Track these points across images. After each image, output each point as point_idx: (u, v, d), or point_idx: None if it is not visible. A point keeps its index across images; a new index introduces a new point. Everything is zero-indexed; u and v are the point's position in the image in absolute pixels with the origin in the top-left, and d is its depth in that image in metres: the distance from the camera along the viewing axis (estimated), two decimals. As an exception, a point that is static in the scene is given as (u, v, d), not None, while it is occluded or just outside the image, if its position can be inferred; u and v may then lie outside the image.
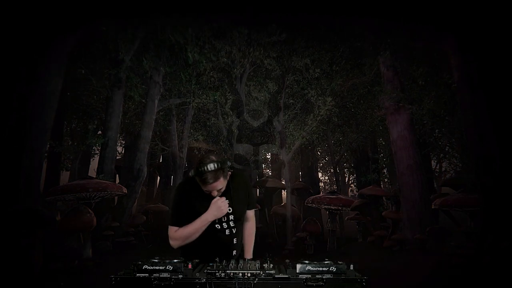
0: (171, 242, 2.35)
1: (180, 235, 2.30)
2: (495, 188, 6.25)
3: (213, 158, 2.17)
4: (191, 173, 2.23)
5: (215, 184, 2.16)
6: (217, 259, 1.92)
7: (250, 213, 2.56)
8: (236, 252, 2.40)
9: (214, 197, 2.29)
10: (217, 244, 2.34)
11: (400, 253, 8.15)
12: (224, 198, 2.25)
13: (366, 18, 8.12)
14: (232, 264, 1.86)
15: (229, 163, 2.25)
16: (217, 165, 2.14)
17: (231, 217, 2.37)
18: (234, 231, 2.38)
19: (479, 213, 6.81)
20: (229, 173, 2.30)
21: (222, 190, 2.28)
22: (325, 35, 11.07)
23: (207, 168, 2.11)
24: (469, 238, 6.85)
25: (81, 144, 8.49)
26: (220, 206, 2.23)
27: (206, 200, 2.27)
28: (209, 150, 13.96)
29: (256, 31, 10.50)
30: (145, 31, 8.56)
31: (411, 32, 7.66)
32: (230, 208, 2.34)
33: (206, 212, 2.24)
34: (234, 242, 2.39)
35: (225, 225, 2.35)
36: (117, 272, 1.79)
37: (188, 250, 2.33)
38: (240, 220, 2.43)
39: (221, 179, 2.18)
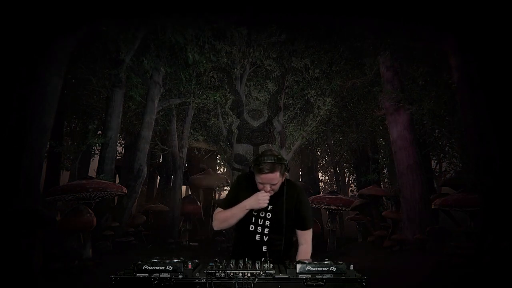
0: (212, 223, 2.40)
1: (219, 216, 2.35)
2: (495, 188, 6.25)
3: (274, 152, 2.22)
4: (251, 164, 2.26)
5: (270, 175, 2.16)
6: (217, 259, 1.91)
7: (303, 235, 2.36)
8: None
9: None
10: (248, 245, 2.32)
11: (400, 253, 8.15)
12: (267, 194, 2.21)
13: (366, 18, 8.13)
14: (232, 264, 1.86)
15: (287, 163, 2.24)
16: (276, 159, 2.17)
17: (267, 223, 2.30)
18: (265, 239, 2.29)
19: (479, 213, 6.81)
20: (286, 174, 2.26)
21: (275, 188, 2.24)
22: (325, 36, 11.07)
23: (266, 158, 2.15)
24: (469, 238, 6.86)
25: (81, 144, 8.48)
26: (259, 199, 2.20)
27: (250, 196, 2.28)
28: (209, 150, 13.99)
29: (256, 32, 10.50)
30: (145, 31, 8.56)
31: (411, 32, 7.67)
32: (270, 214, 2.30)
33: (246, 199, 2.24)
34: (263, 250, 2.28)
35: (259, 229, 2.30)
36: (117, 272, 1.79)
37: (235, 246, 2.41)
38: (276, 231, 2.29)
39: (277, 173, 2.17)
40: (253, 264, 1.87)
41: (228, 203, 2.37)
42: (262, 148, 9.65)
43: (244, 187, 2.35)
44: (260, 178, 2.20)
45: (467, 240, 6.84)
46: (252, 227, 2.31)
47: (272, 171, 2.15)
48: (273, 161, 2.15)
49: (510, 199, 6.05)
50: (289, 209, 2.29)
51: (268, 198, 2.22)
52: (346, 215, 12.90)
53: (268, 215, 2.31)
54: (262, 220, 2.31)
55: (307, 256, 2.35)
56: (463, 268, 5.99)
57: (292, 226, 2.35)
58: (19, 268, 5.20)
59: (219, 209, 2.39)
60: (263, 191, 2.22)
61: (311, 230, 2.39)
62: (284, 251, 2.33)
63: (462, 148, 8.23)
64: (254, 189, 2.30)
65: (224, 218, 2.33)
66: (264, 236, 2.30)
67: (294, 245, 2.41)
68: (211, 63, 9.94)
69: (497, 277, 5.29)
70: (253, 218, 2.32)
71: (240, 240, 2.39)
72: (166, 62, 9.36)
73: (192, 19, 8.18)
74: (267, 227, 2.30)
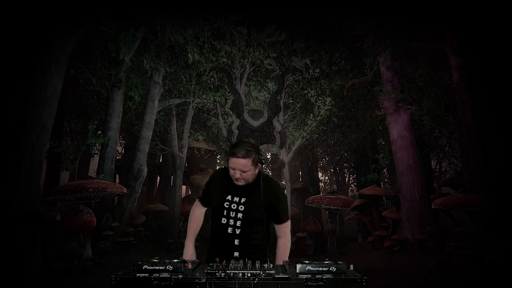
0: (190, 212, 2.61)
1: (190, 216, 2.59)
2: (495, 188, 6.25)
3: (251, 141, 2.28)
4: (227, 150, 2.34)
5: (242, 160, 2.18)
6: (217, 259, 1.91)
7: (281, 228, 2.40)
8: (239, 255, 2.26)
9: (232, 192, 2.33)
10: (219, 239, 2.34)
11: (400, 253, 8.15)
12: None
13: (365, 18, 8.13)
14: (232, 264, 1.86)
15: (262, 156, 2.29)
16: (251, 146, 2.22)
17: (240, 215, 2.30)
18: (237, 232, 2.28)
19: (479, 213, 6.81)
20: (259, 165, 2.29)
21: (246, 178, 2.25)
22: (324, 36, 11.08)
23: (242, 144, 2.22)
24: (469, 238, 6.85)
25: (81, 144, 8.48)
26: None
27: (223, 192, 2.36)
28: (209, 150, 13.98)
29: (255, 31, 10.51)
30: (145, 31, 8.56)
31: (411, 32, 7.66)
32: (242, 207, 2.30)
33: (188, 252, 2.45)
34: (236, 243, 2.28)
35: (231, 221, 2.30)
36: (117, 272, 1.79)
37: (210, 239, 2.44)
38: (249, 224, 2.30)
39: (249, 160, 2.19)
40: (253, 264, 1.87)
41: (202, 196, 2.55)
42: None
43: (215, 181, 2.43)
44: (231, 162, 2.22)
45: (467, 240, 6.83)
46: (224, 220, 2.31)
47: (244, 156, 2.18)
48: (247, 147, 2.20)
49: (510, 199, 6.06)
50: (265, 203, 2.29)
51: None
52: (346, 215, 12.91)
53: (241, 207, 2.30)
54: (234, 213, 2.30)
55: (286, 249, 2.39)
56: (463, 268, 6.00)
57: (268, 220, 2.36)
58: (18, 268, 5.20)
59: (197, 202, 2.58)
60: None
61: (288, 222, 2.42)
62: (261, 245, 2.33)
63: (462, 148, 8.22)
64: (227, 183, 2.35)
65: (189, 222, 2.57)
66: (236, 229, 2.29)
67: (270, 239, 2.43)
68: (211, 63, 9.94)
69: (497, 277, 5.29)
70: (225, 210, 2.31)
71: (214, 232, 2.39)
72: (166, 62, 9.37)
73: (192, 19, 8.18)
74: (239, 220, 2.29)
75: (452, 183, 9.98)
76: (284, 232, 2.41)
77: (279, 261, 2.37)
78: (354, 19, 8.43)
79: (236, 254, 2.27)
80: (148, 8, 7.63)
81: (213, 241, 2.38)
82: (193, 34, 8.34)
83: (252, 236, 2.30)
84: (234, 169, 2.23)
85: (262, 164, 2.30)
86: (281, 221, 2.39)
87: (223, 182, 2.37)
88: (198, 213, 2.55)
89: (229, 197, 2.33)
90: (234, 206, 2.31)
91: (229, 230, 2.29)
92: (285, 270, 1.82)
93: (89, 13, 6.51)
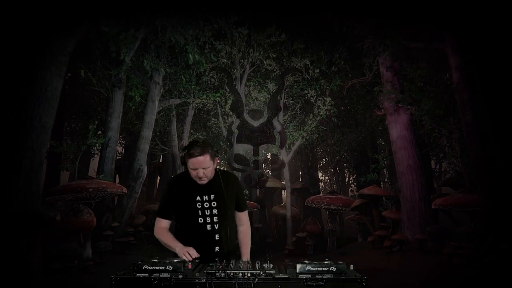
0: (154, 232, 2.54)
1: (157, 235, 2.49)
2: (495, 188, 6.24)
3: (201, 138, 2.36)
4: (182, 155, 2.37)
5: (200, 158, 2.26)
6: (217, 259, 1.92)
7: (242, 216, 2.58)
8: (219, 249, 2.39)
9: (199, 192, 2.38)
10: (200, 238, 2.39)
11: (400, 253, 8.15)
12: (193, 252, 2.23)
13: (365, 19, 8.13)
14: (232, 264, 1.86)
15: (217, 149, 2.43)
16: (205, 143, 2.32)
17: (215, 211, 2.40)
18: (216, 227, 2.39)
19: (479, 213, 6.81)
20: (216, 159, 2.40)
21: (208, 174, 2.33)
22: (324, 36, 11.08)
23: (195, 143, 2.30)
24: (469, 238, 6.85)
25: (81, 144, 8.48)
26: (184, 252, 2.22)
27: (191, 195, 2.40)
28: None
29: (256, 32, 10.51)
30: (145, 32, 8.55)
31: (410, 32, 7.66)
32: (214, 203, 2.40)
33: (178, 246, 2.32)
34: (216, 238, 2.39)
35: (208, 219, 2.39)
36: (117, 272, 1.79)
37: (181, 241, 2.42)
38: (224, 217, 2.42)
39: (207, 156, 2.28)
40: (253, 264, 1.88)
41: (164, 210, 2.51)
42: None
43: (176, 189, 2.45)
44: (191, 163, 2.29)
45: (467, 240, 6.83)
46: (201, 219, 2.39)
47: (202, 153, 2.26)
48: (201, 145, 2.29)
49: (510, 199, 6.05)
50: (232, 194, 2.45)
51: (193, 256, 2.21)
52: (346, 215, 12.90)
53: (213, 203, 2.40)
54: (209, 210, 2.40)
55: (248, 235, 2.59)
56: (463, 268, 6.00)
57: (233, 209, 2.52)
58: (18, 268, 5.20)
59: (159, 219, 2.52)
60: (187, 251, 2.23)
61: (247, 211, 2.59)
62: (232, 235, 2.48)
63: (462, 148, 8.22)
64: (187, 186, 2.40)
65: (160, 238, 2.47)
66: (215, 225, 2.39)
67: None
68: (211, 63, 9.94)
69: (497, 277, 5.29)
70: (199, 211, 2.40)
71: (188, 234, 2.43)
72: (166, 62, 9.37)
73: (192, 19, 8.18)
74: (215, 216, 2.40)
75: (452, 183, 9.98)
76: (245, 220, 2.59)
77: (245, 248, 2.51)
78: (354, 19, 8.42)
79: (217, 248, 2.39)
80: (148, 8, 7.62)
81: (188, 242, 2.37)
82: (193, 35, 8.34)
83: (227, 228, 2.44)
84: (195, 169, 2.30)
85: (218, 156, 2.43)
86: (241, 209, 2.56)
87: (185, 188, 2.42)
88: (164, 227, 2.50)
89: (198, 198, 2.41)
90: (206, 204, 2.41)
91: (208, 227, 2.39)
92: (285, 270, 1.82)
93: (89, 13, 6.51)
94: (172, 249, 2.38)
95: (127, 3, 7.20)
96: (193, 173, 2.33)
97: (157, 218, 2.53)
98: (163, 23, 8.21)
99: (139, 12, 7.63)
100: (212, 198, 2.41)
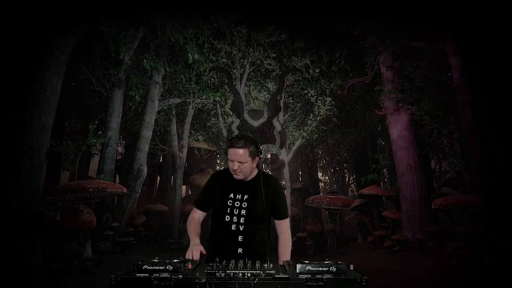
0: (187, 221, 2.52)
1: (187, 224, 2.48)
2: (495, 188, 6.24)
3: (250, 135, 2.37)
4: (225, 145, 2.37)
5: (239, 151, 2.24)
6: (217, 258, 1.91)
7: (282, 224, 2.46)
8: (242, 251, 2.30)
9: (234, 190, 2.36)
10: (224, 237, 2.35)
11: (400, 253, 8.15)
12: (198, 248, 2.19)
13: (366, 18, 8.12)
14: (232, 264, 1.86)
15: (261, 150, 2.36)
16: (250, 139, 2.30)
17: (243, 212, 2.34)
18: (241, 228, 2.32)
19: (479, 213, 6.81)
20: (257, 158, 2.35)
21: (243, 170, 2.29)
22: (324, 35, 11.07)
23: (240, 136, 2.30)
24: (469, 238, 6.85)
25: (81, 144, 8.47)
26: (191, 249, 2.18)
27: (226, 192, 2.37)
28: (209, 150, 13.98)
29: (255, 31, 10.51)
30: (145, 31, 8.55)
31: (411, 31, 7.66)
32: (245, 203, 2.34)
33: (193, 241, 2.29)
34: (239, 240, 2.31)
35: (235, 218, 2.33)
36: (117, 272, 1.79)
37: (211, 239, 2.43)
38: (253, 220, 2.34)
39: (247, 151, 2.25)
40: (253, 263, 1.87)
41: (200, 201, 2.50)
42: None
43: (216, 183, 2.43)
44: (230, 154, 2.27)
45: (467, 240, 6.83)
46: (227, 218, 2.35)
47: (242, 147, 2.24)
48: (245, 139, 2.27)
49: (510, 199, 6.05)
50: (267, 199, 2.35)
51: (198, 256, 2.16)
52: (346, 215, 12.90)
53: (244, 204, 2.35)
54: (237, 210, 2.34)
55: (288, 244, 2.46)
56: (463, 268, 6.00)
57: (269, 216, 2.41)
58: (18, 268, 5.20)
59: (194, 209, 2.50)
60: (194, 251, 2.17)
61: (288, 219, 2.50)
62: (263, 242, 2.39)
63: (462, 148, 8.22)
64: (227, 183, 2.38)
65: (187, 228, 2.45)
66: (240, 226, 2.33)
67: (270, 236, 2.48)
68: (211, 62, 9.93)
69: (497, 277, 5.29)
70: (228, 208, 2.36)
71: (216, 230, 2.42)
72: (166, 61, 9.36)
73: (191, 18, 8.17)
74: (243, 217, 2.33)
75: (452, 183, 9.98)
76: (285, 229, 2.47)
77: (283, 258, 2.39)
78: (354, 19, 8.42)
79: (240, 250, 2.31)
80: (147, 8, 7.62)
81: (215, 239, 2.39)
82: (193, 34, 8.33)
83: (255, 232, 2.35)
84: (232, 160, 2.28)
85: (259, 157, 2.36)
86: (281, 217, 2.45)
87: (223, 183, 2.41)
88: (197, 218, 2.49)
89: (231, 195, 2.37)
90: (237, 203, 2.36)
91: (233, 227, 2.33)
92: (285, 270, 1.82)
93: (88, 13, 6.51)
94: (190, 239, 2.36)
95: (127, 2, 7.20)
96: (230, 165, 2.30)
97: (193, 208, 2.51)
98: (162, 22, 8.21)
99: (138, 11, 7.63)
100: (245, 198, 2.36)
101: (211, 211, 2.50)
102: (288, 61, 10.90)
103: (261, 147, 2.39)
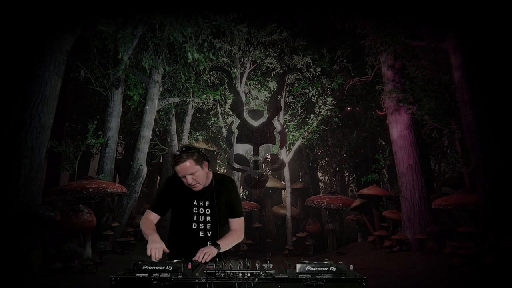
0: (140, 222, 2.46)
1: (141, 224, 2.41)
2: (495, 188, 6.24)
3: (185, 144, 2.30)
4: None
5: (182, 165, 2.23)
6: (216, 259, 1.91)
7: (236, 222, 2.45)
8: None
9: (196, 197, 2.36)
10: (192, 243, 2.35)
11: (400, 253, 8.15)
12: (159, 249, 2.12)
13: (367, 17, 8.12)
14: (232, 264, 1.86)
15: (202, 151, 2.37)
16: (189, 148, 2.29)
17: (208, 218, 2.38)
18: (209, 234, 2.37)
19: (479, 213, 6.81)
20: (205, 163, 2.34)
21: (199, 180, 2.29)
22: (325, 34, 11.07)
23: (178, 150, 2.29)
24: (469, 238, 6.85)
25: (81, 144, 8.47)
26: (151, 248, 2.11)
27: (189, 199, 2.38)
28: (209, 150, 13.97)
29: (256, 30, 10.48)
30: (144, 30, 8.54)
31: (412, 31, 7.66)
32: (208, 209, 2.38)
33: (152, 237, 2.23)
34: (208, 245, 2.29)
35: (201, 225, 2.38)
36: (117, 272, 1.79)
37: (172, 245, 2.40)
38: (216, 224, 2.38)
39: (191, 161, 2.24)
40: (253, 264, 1.87)
41: (158, 205, 2.45)
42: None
43: (175, 189, 2.40)
44: (179, 172, 2.27)
45: (467, 240, 6.83)
46: (195, 225, 2.38)
47: (185, 159, 2.24)
48: (185, 151, 2.26)
49: (510, 199, 6.05)
50: (226, 201, 2.39)
51: (159, 250, 2.11)
52: (346, 215, 12.90)
53: (207, 210, 2.39)
54: (203, 217, 2.38)
55: (235, 237, 2.38)
56: (463, 268, 5.99)
57: (226, 217, 2.44)
58: (18, 267, 5.20)
59: (148, 211, 2.46)
60: (154, 249, 2.11)
61: (242, 218, 2.48)
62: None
63: (462, 148, 8.22)
64: (186, 191, 2.37)
65: (142, 227, 2.38)
66: (208, 232, 2.37)
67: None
68: (211, 61, 9.91)
69: (497, 277, 5.29)
70: (194, 216, 2.38)
71: (181, 237, 2.41)
72: (165, 60, 9.35)
73: (190, 16, 8.15)
74: (209, 223, 2.38)
75: (452, 183, 9.98)
76: (239, 226, 2.45)
77: (227, 237, 2.35)
78: (355, 17, 8.42)
79: None
80: (146, 6, 7.61)
81: (182, 246, 2.36)
82: (192, 32, 8.31)
83: (220, 235, 2.37)
84: (184, 176, 2.28)
85: (208, 161, 2.37)
86: (234, 215, 2.45)
87: (182, 189, 2.39)
88: (152, 220, 2.44)
89: (195, 202, 2.39)
90: (202, 210, 2.39)
91: (201, 234, 2.37)
92: (285, 270, 1.82)
93: (87, 12, 6.50)
94: (146, 237, 2.27)
95: (125, 0, 7.19)
96: (184, 181, 2.30)
97: (147, 210, 2.47)
98: (161, 20, 8.19)
99: (136, 9, 7.62)
100: (207, 205, 2.39)
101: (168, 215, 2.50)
102: (289, 59, 10.88)
103: (201, 149, 2.39)
